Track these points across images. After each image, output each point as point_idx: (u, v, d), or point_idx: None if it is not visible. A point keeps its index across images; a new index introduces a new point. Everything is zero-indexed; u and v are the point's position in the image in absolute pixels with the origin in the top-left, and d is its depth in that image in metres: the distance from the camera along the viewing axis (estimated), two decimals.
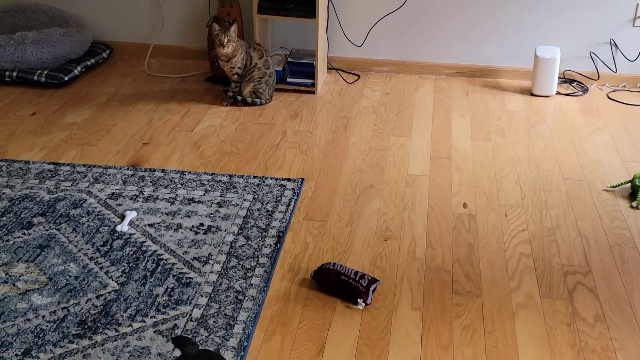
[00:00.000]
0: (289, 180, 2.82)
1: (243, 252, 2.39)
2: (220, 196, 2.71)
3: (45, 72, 3.65)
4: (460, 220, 2.58)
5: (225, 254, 2.38)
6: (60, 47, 3.70)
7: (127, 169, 2.88)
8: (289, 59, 3.66)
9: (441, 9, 3.74)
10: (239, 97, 3.48)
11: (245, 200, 2.68)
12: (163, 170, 2.87)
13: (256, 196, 2.71)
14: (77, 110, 3.42)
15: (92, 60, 3.89)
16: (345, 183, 2.83)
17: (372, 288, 2.18)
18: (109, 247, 2.41)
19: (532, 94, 3.65)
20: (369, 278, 2.20)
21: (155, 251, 2.39)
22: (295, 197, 2.70)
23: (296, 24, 3.80)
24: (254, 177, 2.84)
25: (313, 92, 3.65)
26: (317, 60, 3.58)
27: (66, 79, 3.65)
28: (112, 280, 2.25)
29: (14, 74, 3.65)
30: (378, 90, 3.72)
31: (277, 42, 3.93)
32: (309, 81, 3.65)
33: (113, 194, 2.71)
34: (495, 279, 2.28)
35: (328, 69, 3.92)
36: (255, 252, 2.39)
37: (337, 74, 3.90)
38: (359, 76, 3.88)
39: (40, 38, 3.67)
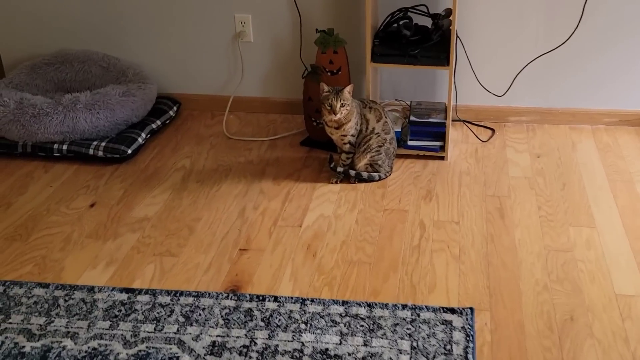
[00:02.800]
0: (453, 312, 2.02)
1: None
2: (364, 344, 1.91)
3: (103, 143, 2.90)
4: None
5: None
6: (120, 111, 2.95)
7: (226, 297, 2.11)
8: (412, 117, 2.84)
9: (600, 46, 2.90)
10: (352, 172, 2.69)
11: (400, 351, 1.89)
12: (275, 299, 2.09)
13: (414, 343, 1.91)
14: (147, 197, 2.66)
15: (158, 122, 3.13)
16: (532, 313, 2.02)
17: None
18: None
19: None
20: None
21: None
22: (470, 344, 1.90)
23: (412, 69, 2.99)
24: (403, 306, 2.05)
25: (442, 158, 2.85)
26: (449, 119, 2.77)
27: (129, 152, 2.90)
28: None
29: (64, 147, 2.91)
30: (524, 151, 2.89)
31: (386, 93, 3.13)
32: (437, 144, 2.84)
33: (214, 344, 1.93)
34: None
35: (452, 120, 3.10)
36: None
37: (464, 127, 3.08)
38: (493, 130, 3.06)
39: (96, 101, 2.93)
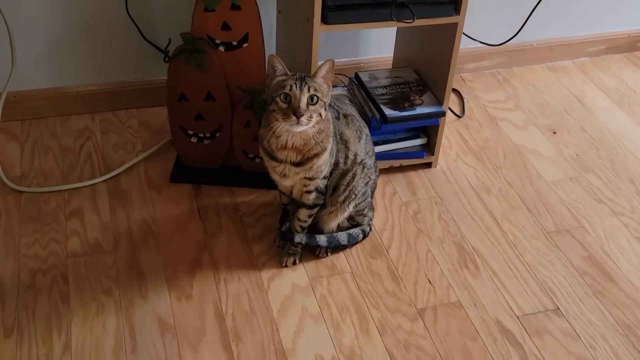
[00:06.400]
0: None
1: None
2: None
3: None
4: None
5: None
6: None
7: None
8: (387, 111, 1.59)
9: None
10: (322, 240, 1.42)
11: None
12: None
13: None
14: None
15: None
16: None
17: None
18: None
19: None
20: None
21: None
22: None
23: None
24: None
25: (428, 165, 1.69)
26: (446, 103, 1.60)
27: None
28: None
29: None
30: (527, 124, 1.86)
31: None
32: (417, 144, 1.67)
33: None
34: None
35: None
36: None
37: None
38: (458, 93, 1.95)
39: None
